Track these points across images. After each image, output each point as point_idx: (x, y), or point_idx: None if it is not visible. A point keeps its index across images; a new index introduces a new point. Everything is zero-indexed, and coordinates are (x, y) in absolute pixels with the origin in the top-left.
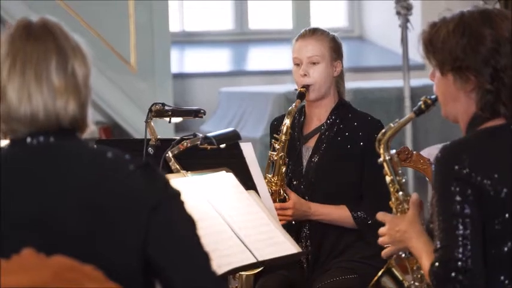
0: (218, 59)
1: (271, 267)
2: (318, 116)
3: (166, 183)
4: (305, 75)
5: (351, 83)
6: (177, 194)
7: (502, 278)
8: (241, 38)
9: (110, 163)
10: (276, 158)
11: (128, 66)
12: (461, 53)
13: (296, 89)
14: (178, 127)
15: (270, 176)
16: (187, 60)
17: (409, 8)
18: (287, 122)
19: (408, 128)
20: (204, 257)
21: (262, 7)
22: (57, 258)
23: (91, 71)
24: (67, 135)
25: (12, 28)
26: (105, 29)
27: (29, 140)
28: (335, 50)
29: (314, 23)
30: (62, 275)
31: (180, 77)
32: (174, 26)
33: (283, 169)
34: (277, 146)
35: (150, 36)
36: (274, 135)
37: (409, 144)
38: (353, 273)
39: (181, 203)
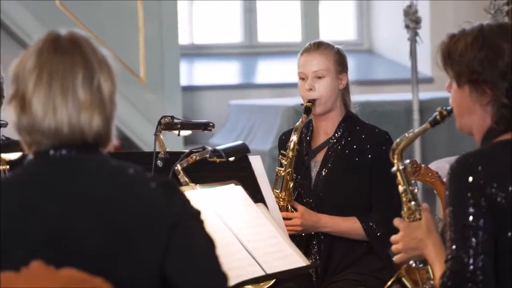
0: (227, 72)
1: (279, 279)
2: (325, 129)
3: (187, 202)
4: (311, 89)
5: (359, 96)
6: (197, 213)
7: None
8: (250, 51)
9: (130, 180)
10: (283, 173)
11: (137, 79)
12: (479, 66)
13: (302, 104)
14: (187, 140)
15: (277, 191)
16: (196, 73)
17: (417, 22)
18: (294, 138)
19: (416, 141)
20: (222, 278)
21: (271, 20)
22: (66, 270)
23: (117, 86)
24: (89, 150)
25: (41, 40)
26: (115, 41)
27: (51, 152)
28: (340, 63)
29: (323, 36)
30: (71, 287)
31: (189, 89)
32: (184, 39)
33: (291, 185)
34: (284, 162)
35: (160, 49)
36: (282, 151)
37: (417, 157)
38: (361, 285)
39: (201, 223)
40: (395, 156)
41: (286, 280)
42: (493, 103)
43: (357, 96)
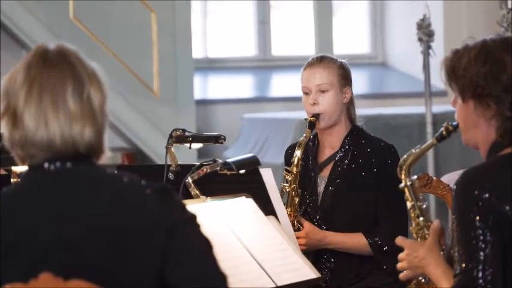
0: (241, 85)
1: None
2: (331, 143)
3: (182, 206)
4: (314, 103)
5: (373, 109)
6: (192, 217)
7: None
8: (265, 64)
9: (126, 188)
10: (288, 189)
11: (151, 92)
12: (483, 81)
13: (306, 119)
14: (201, 153)
15: None
16: (210, 87)
17: (430, 35)
18: (298, 153)
19: (430, 153)
20: (221, 279)
21: (285, 34)
22: (75, 282)
23: (107, 97)
24: (83, 161)
25: (29, 55)
26: (129, 55)
27: (46, 165)
28: (344, 76)
29: (337, 50)
30: None
31: (203, 103)
32: (198, 53)
33: (296, 200)
34: (289, 178)
35: (173, 62)
36: (286, 167)
37: (430, 169)
38: None
39: (197, 226)
40: (403, 172)
41: None
42: (497, 117)
43: (371, 110)
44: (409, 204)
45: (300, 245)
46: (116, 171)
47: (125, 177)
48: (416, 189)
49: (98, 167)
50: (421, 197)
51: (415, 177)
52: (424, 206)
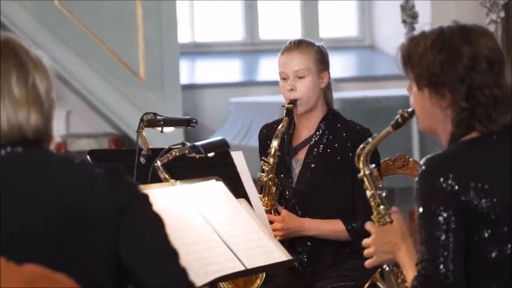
0: (228, 70)
1: (269, 276)
2: (307, 127)
3: (134, 186)
4: (292, 89)
5: (358, 92)
6: (144, 196)
7: (493, 286)
8: (252, 48)
9: (77, 168)
10: (265, 179)
11: (137, 78)
12: (438, 69)
13: (283, 105)
14: (187, 138)
15: (260, 196)
16: (197, 71)
17: (414, 17)
18: (275, 144)
19: (415, 137)
20: (173, 256)
21: (272, 17)
22: (28, 266)
23: (53, 85)
24: (33, 146)
25: None
26: (114, 40)
27: None
28: (321, 61)
29: (324, 33)
30: (34, 283)
31: (191, 87)
32: (185, 37)
33: (274, 190)
34: (266, 168)
35: (159, 47)
36: (263, 157)
37: (416, 152)
38: (350, 280)
39: (150, 205)
40: (361, 161)
41: (275, 277)
42: (452, 107)
43: (356, 92)
44: (368, 193)
45: (276, 230)
46: (63, 154)
47: (75, 158)
48: (375, 178)
49: (48, 150)
50: (380, 185)
51: (373, 165)
52: (384, 194)
